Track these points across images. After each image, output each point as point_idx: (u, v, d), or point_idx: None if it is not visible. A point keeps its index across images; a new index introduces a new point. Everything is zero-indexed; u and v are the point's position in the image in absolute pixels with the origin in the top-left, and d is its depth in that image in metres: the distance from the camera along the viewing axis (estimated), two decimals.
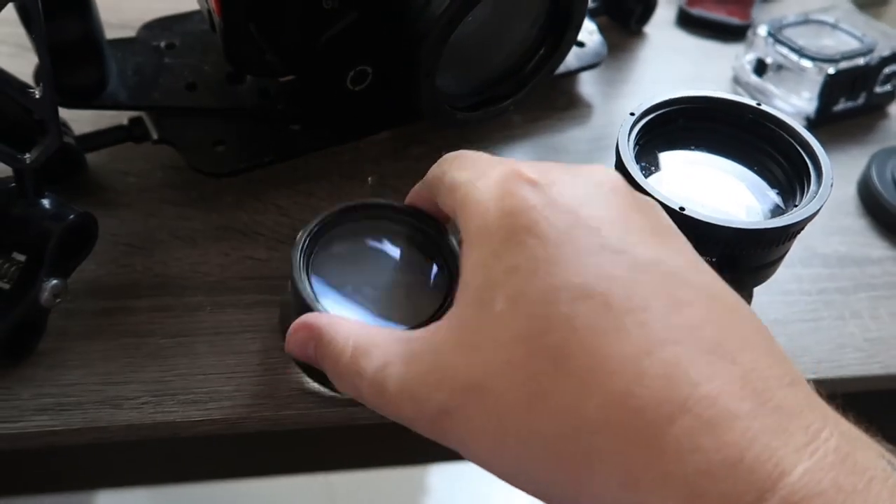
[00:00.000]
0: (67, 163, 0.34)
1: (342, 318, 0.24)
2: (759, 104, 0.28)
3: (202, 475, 0.64)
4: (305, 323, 0.23)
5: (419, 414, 0.20)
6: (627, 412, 0.17)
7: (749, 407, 0.16)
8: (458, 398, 0.19)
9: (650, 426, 0.16)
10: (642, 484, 0.16)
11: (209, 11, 0.32)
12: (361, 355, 0.21)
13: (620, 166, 0.26)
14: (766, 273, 0.28)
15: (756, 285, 0.28)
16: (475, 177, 0.22)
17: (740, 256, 0.25)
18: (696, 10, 0.49)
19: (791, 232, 0.25)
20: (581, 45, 0.42)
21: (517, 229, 0.19)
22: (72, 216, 0.28)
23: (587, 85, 0.43)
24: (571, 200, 0.20)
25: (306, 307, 0.25)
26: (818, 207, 0.25)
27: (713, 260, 0.24)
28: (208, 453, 0.55)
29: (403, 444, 0.57)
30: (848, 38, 0.42)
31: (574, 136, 0.41)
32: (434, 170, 0.26)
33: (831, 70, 0.40)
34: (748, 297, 0.30)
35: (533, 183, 0.20)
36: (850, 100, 0.41)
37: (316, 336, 0.23)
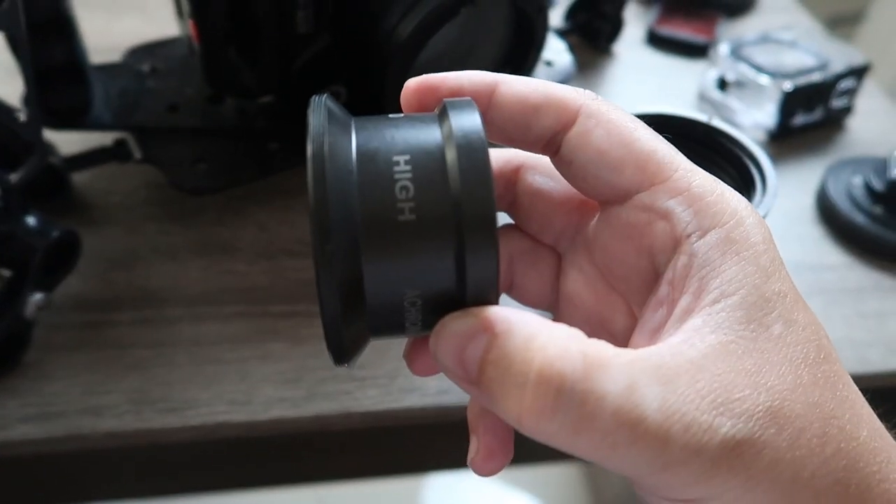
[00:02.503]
0: (53, 182, 0.35)
1: (523, 312, 0.17)
2: (709, 119, 0.30)
3: (191, 488, 0.64)
4: (472, 312, 0.17)
5: (696, 446, 0.16)
6: (883, 439, 0.17)
7: None
8: (747, 428, 0.16)
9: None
10: None
11: (189, 38, 0.34)
12: (595, 365, 0.16)
13: None
14: None
15: None
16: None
17: None
18: (664, 30, 0.51)
19: None
20: (550, 64, 0.43)
21: (775, 253, 0.18)
22: (56, 233, 0.29)
23: None
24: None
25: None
26: (763, 214, 0.27)
27: None
28: (196, 466, 0.56)
29: (395, 455, 0.58)
30: (804, 55, 0.44)
31: None
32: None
33: (788, 85, 0.41)
34: None
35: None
36: (807, 114, 0.43)
37: (491, 335, 0.16)
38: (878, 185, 0.38)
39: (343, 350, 0.18)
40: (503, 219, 0.21)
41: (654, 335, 0.19)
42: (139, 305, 0.32)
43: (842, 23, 1.43)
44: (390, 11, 0.30)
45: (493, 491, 1.09)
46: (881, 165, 0.38)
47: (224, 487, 0.61)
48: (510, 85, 0.19)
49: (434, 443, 0.46)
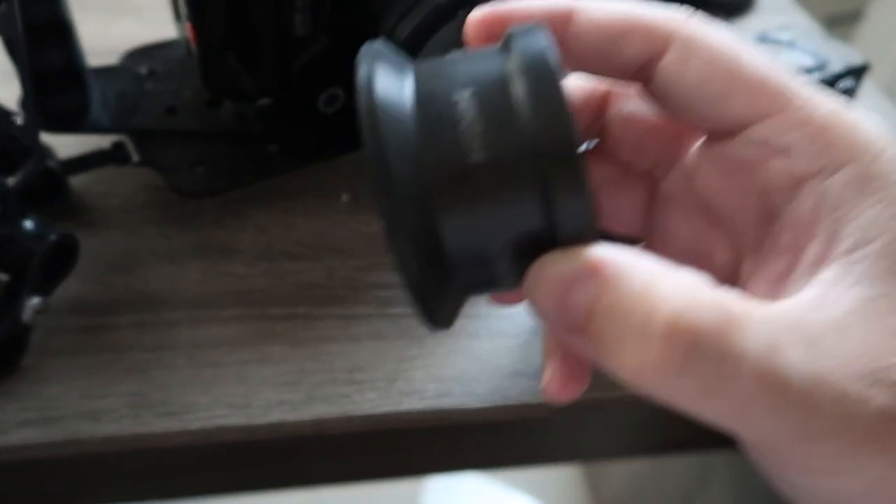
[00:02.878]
0: (51, 186, 0.35)
1: (632, 253, 0.15)
2: None
3: (191, 492, 0.65)
4: (583, 255, 0.15)
5: (847, 417, 0.14)
6: None
7: None
8: None
9: None
10: None
11: (186, 40, 0.33)
12: (733, 319, 0.14)
13: None
14: None
15: None
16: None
17: None
18: None
19: None
20: None
21: None
22: (54, 236, 0.29)
23: None
24: None
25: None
26: None
27: None
28: (196, 469, 0.56)
29: (394, 458, 0.58)
30: (803, 55, 0.44)
31: None
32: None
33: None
34: None
35: None
36: None
37: (601, 279, 0.15)
38: None
39: (434, 313, 0.16)
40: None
41: (778, 285, 0.17)
42: (138, 308, 0.32)
43: (840, 22, 1.43)
44: (388, 13, 0.30)
45: (493, 492, 1.09)
46: None
47: (224, 490, 0.61)
48: (588, 11, 0.17)
49: (433, 445, 0.46)
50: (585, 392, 0.30)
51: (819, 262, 0.16)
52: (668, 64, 0.17)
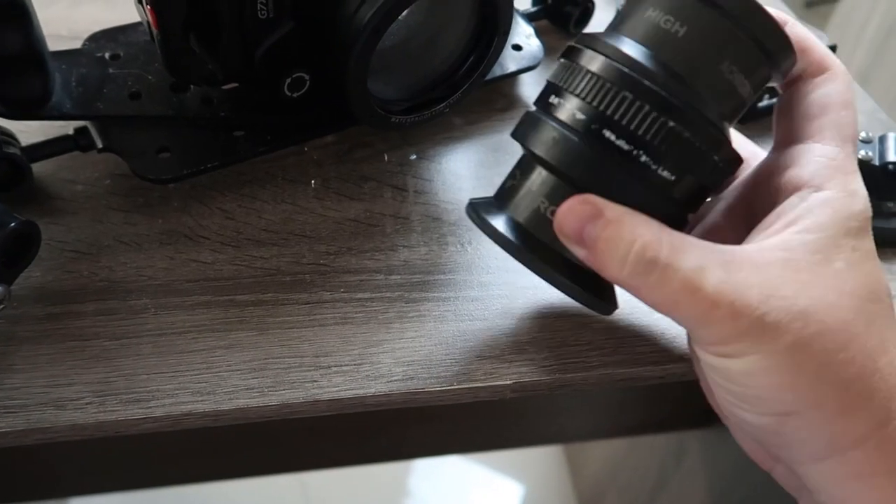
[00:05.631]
0: (13, 173, 0.35)
1: (632, 211, 0.23)
2: None
3: (174, 479, 0.65)
4: (591, 202, 0.24)
5: (733, 318, 0.22)
6: None
7: None
8: (781, 317, 0.22)
9: None
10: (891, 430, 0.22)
11: (148, 23, 0.33)
12: (678, 252, 0.22)
13: None
14: None
15: None
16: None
17: None
18: None
19: None
20: (518, 48, 0.43)
21: (866, 226, 0.24)
22: (13, 224, 0.29)
23: (526, 87, 0.45)
24: None
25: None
26: None
27: None
28: (179, 456, 0.56)
29: (374, 443, 0.59)
30: None
31: None
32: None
33: None
34: None
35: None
36: (773, 97, 0.43)
37: (605, 221, 0.23)
38: None
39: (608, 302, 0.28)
40: None
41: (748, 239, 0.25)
42: (103, 296, 0.32)
43: (819, 2, 1.43)
44: None
45: (476, 473, 1.10)
46: None
47: (209, 478, 0.61)
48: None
49: (408, 430, 0.47)
50: (553, 373, 0.31)
51: (773, 233, 0.24)
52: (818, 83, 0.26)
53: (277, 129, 0.37)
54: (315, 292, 0.33)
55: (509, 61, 0.42)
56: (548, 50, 0.45)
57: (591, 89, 0.23)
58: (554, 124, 0.25)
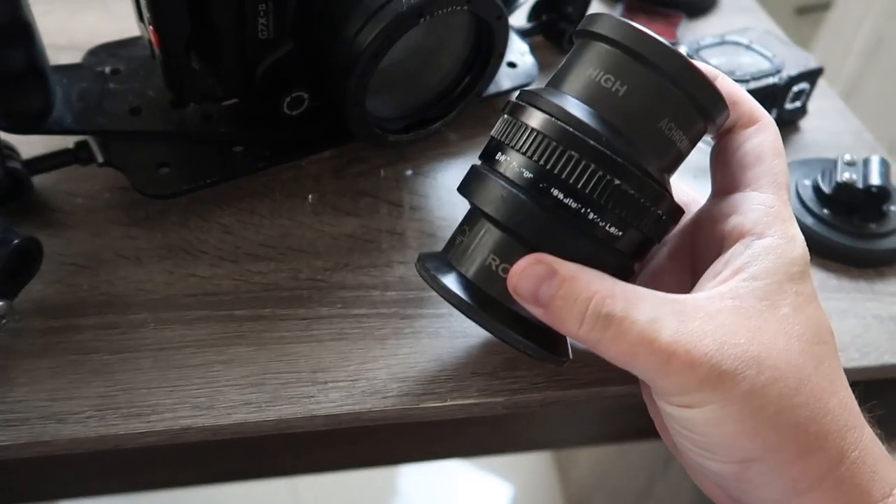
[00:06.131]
0: (14, 186, 0.35)
1: (590, 269, 0.24)
2: None
3: (162, 483, 0.65)
4: (544, 261, 0.24)
5: (690, 367, 0.23)
6: (850, 415, 0.24)
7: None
8: (736, 365, 0.23)
9: (858, 426, 0.24)
10: (849, 467, 0.23)
11: (150, 41, 0.33)
12: (632, 305, 0.23)
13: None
14: None
15: None
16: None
17: None
18: None
19: None
20: (513, 65, 0.44)
21: (806, 270, 0.25)
22: (16, 241, 0.29)
23: None
24: None
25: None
26: None
27: None
28: (168, 460, 0.56)
29: (365, 449, 0.60)
30: (760, 59, 0.45)
31: None
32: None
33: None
34: None
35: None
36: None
37: (560, 279, 0.24)
38: (825, 187, 0.39)
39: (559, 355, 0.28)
40: None
41: (696, 286, 0.26)
42: (103, 310, 0.33)
43: (810, 10, 1.44)
44: (350, 21, 0.31)
45: (467, 476, 1.10)
46: (830, 168, 0.40)
47: (201, 482, 0.62)
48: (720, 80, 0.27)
49: (400, 438, 0.47)
50: (544, 391, 0.31)
51: (721, 282, 0.25)
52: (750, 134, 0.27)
53: (276, 145, 0.38)
54: (312, 308, 0.33)
55: (504, 78, 0.43)
56: (542, 66, 0.45)
57: (536, 147, 0.24)
58: (501, 182, 0.25)
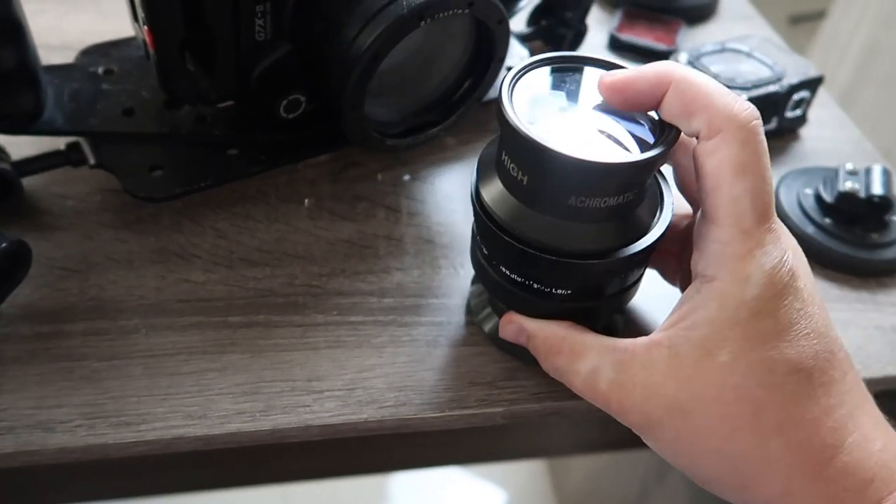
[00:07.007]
0: (3, 187, 0.34)
1: (550, 323, 0.28)
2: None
3: (152, 489, 0.64)
4: (514, 321, 0.29)
5: (624, 416, 0.26)
6: (801, 453, 0.23)
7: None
8: (662, 414, 0.24)
9: (816, 461, 0.23)
10: (796, 496, 0.24)
11: (144, 42, 0.33)
12: (577, 357, 0.27)
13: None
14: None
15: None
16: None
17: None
18: (626, 36, 0.52)
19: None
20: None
21: (762, 309, 0.24)
22: (4, 244, 0.28)
23: None
24: (802, 280, 0.25)
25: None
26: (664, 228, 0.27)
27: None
28: (157, 466, 0.55)
29: (357, 457, 0.59)
30: (760, 66, 0.45)
31: None
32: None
33: (744, 97, 0.42)
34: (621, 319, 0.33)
35: (779, 247, 0.24)
36: (797, 107, 0.44)
37: (527, 335, 0.29)
38: (827, 196, 0.39)
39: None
40: None
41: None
42: (93, 315, 0.32)
43: (804, 19, 1.45)
44: (349, 23, 0.30)
45: (461, 482, 1.10)
46: (831, 177, 0.40)
47: (191, 489, 0.61)
48: (678, 82, 0.24)
49: (393, 446, 0.47)
50: (544, 401, 0.31)
51: (662, 329, 0.25)
52: (710, 149, 0.24)
53: (271, 149, 0.37)
54: (308, 314, 0.33)
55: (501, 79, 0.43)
56: None
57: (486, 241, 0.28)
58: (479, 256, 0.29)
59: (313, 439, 0.30)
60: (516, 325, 0.29)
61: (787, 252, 0.24)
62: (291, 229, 0.36)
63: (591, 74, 0.27)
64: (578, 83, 0.27)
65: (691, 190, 0.28)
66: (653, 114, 0.26)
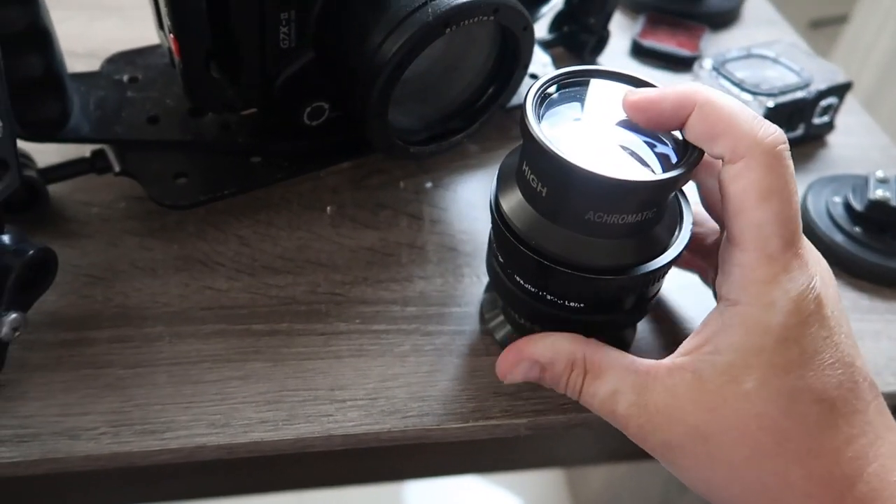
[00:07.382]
0: (29, 194, 0.35)
1: (563, 342, 0.27)
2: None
3: (168, 495, 0.64)
4: (524, 357, 0.28)
5: (643, 439, 0.25)
6: (821, 484, 0.23)
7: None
8: (683, 440, 0.24)
9: (835, 491, 0.23)
10: None
11: (169, 50, 0.33)
12: (595, 378, 0.26)
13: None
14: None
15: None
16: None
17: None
18: (648, 42, 0.51)
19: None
20: (535, 77, 0.43)
21: (788, 336, 0.23)
22: (31, 252, 0.29)
23: None
24: (829, 307, 0.24)
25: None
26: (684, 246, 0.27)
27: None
28: (176, 472, 0.55)
29: (375, 465, 0.58)
30: (787, 72, 0.44)
31: None
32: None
33: (770, 104, 0.42)
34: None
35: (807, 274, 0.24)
36: (789, 131, 0.43)
37: (541, 366, 0.27)
38: (857, 204, 0.38)
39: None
40: None
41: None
42: (117, 323, 0.32)
43: (825, 24, 1.43)
44: (374, 30, 0.30)
45: (476, 489, 1.09)
46: (861, 185, 0.39)
47: (207, 495, 0.61)
48: (702, 104, 0.24)
49: (412, 456, 0.46)
50: (570, 412, 0.30)
51: (686, 353, 0.25)
52: (734, 176, 0.24)
53: (294, 156, 0.37)
54: (330, 323, 0.33)
55: (525, 90, 0.42)
56: None
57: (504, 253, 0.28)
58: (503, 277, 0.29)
59: (336, 448, 0.30)
60: (526, 363, 0.28)
61: (815, 279, 0.24)
62: (314, 237, 0.36)
63: (616, 90, 0.27)
64: (603, 98, 0.27)
65: (717, 210, 0.27)
66: (677, 133, 0.26)
